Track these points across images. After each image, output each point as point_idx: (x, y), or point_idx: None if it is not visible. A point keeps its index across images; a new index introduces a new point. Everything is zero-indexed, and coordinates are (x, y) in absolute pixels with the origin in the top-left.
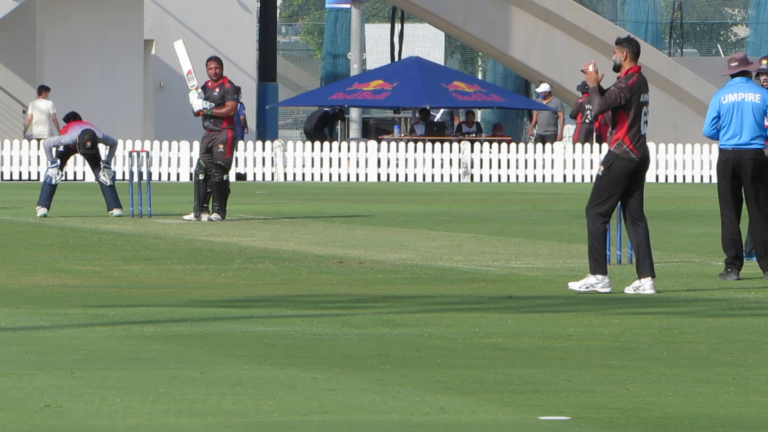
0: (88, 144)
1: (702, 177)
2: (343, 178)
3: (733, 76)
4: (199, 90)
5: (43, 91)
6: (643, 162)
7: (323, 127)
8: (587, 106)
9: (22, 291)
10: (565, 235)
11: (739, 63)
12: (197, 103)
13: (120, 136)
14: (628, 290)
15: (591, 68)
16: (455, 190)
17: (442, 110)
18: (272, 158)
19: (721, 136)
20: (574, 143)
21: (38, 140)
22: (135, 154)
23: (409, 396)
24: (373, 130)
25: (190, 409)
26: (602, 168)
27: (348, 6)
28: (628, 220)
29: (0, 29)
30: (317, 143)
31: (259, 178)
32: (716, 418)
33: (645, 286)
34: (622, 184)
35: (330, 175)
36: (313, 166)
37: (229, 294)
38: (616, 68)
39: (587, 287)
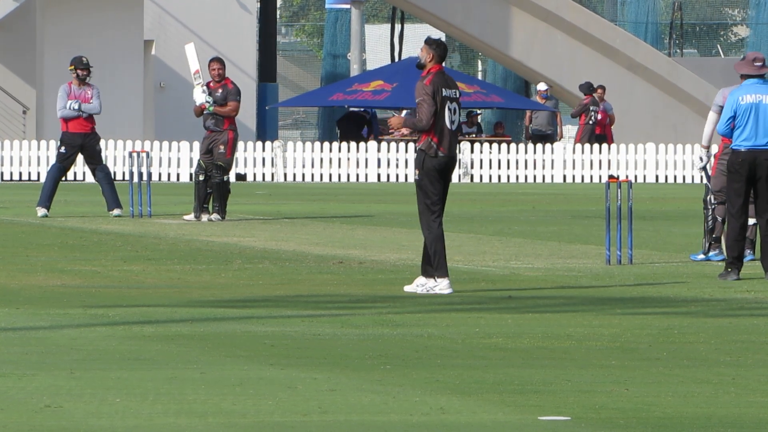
0: (84, 60)
1: (702, 177)
2: (343, 178)
3: (749, 76)
4: (204, 87)
5: None
6: (452, 159)
7: (357, 129)
8: (591, 107)
9: (22, 291)
10: (565, 235)
11: (763, 64)
12: (200, 96)
13: (120, 136)
14: (409, 288)
15: (393, 123)
16: (455, 190)
17: None
18: (272, 158)
19: (736, 137)
20: (575, 143)
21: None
22: (135, 155)
23: (408, 396)
24: None
25: (190, 409)
26: (417, 171)
27: (348, 6)
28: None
29: (0, 29)
30: (317, 143)
31: (259, 178)
32: (716, 418)
33: (442, 285)
34: (439, 179)
35: (330, 175)
36: (313, 166)
37: (229, 294)
38: (421, 66)
39: (428, 289)
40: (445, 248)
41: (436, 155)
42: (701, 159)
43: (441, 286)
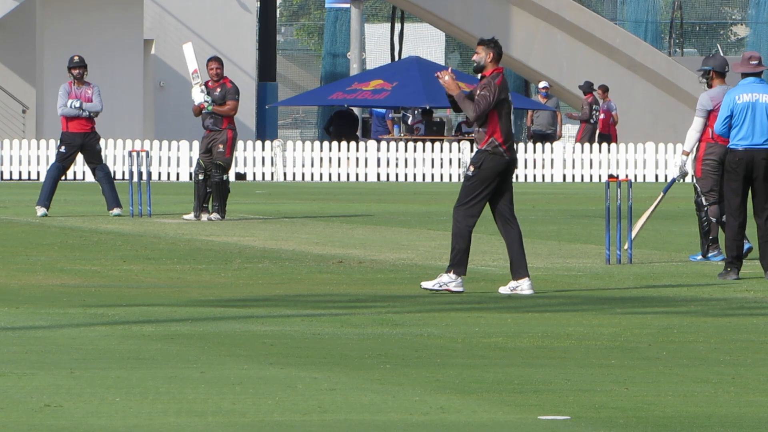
0: (76, 59)
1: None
2: (343, 178)
3: (745, 75)
4: (203, 87)
5: None
6: (513, 162)
7: (350, 128)
8: (594, 106)
9: (22, 291)
10: (564, 235)
11: (759, 62)
12: (199, 96)
13: (120, 135)
14: (504, 290)
15: (447, 77)
16: (455, 190)
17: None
18: (272, 158)
19: (733, 136)
20: (576, 143)
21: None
22: (135, 154)
23: (408, 395)
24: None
25: (189, 408)
26: (472, 168)
27: (348, 5)
28: (498, 222)
29: (0, 29)
30: (317, 143)
31: (258, 177)
32: (716, 418)
33: (523, 286)
34: (493, 183)
35: (330, 175)
36: (312, 165)
37: (229, 294)
38: (479, 69)
39: (441, 285)
40: (469, 249)
41: (501, 156)
42: (683, 165)
43: (456, 283)
